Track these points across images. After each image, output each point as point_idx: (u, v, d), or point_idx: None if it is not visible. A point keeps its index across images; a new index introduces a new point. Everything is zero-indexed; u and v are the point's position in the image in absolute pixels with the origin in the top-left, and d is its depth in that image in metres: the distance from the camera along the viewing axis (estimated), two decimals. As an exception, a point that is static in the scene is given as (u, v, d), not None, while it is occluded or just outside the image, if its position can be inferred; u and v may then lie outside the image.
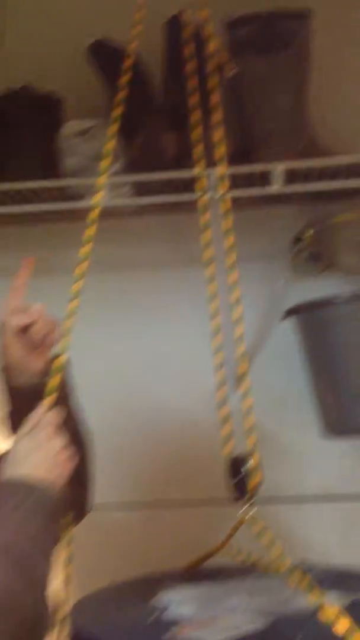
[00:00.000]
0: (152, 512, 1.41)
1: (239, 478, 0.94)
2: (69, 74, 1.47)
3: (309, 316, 1.20)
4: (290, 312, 1.23)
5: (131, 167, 1.25)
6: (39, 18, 1.51)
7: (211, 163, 1.15)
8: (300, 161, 1.24)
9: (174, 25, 1.34)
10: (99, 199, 1.02)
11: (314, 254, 1.38)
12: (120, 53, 1.29)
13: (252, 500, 0.94)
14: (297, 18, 1.35)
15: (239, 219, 1.11)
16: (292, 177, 1.26)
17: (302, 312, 1.20)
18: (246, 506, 0.94)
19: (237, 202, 1.16)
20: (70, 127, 1.21)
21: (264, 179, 1.28)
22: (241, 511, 0.95)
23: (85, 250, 0.94)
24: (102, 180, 1.04)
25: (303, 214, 1.42)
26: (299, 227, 1.42)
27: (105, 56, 1.38)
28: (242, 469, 0.94)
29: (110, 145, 1.07)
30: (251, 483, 0.95)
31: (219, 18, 1.25)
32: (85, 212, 1.33)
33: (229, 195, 1.12)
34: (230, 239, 1.04)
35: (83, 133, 1.23)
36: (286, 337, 1.37)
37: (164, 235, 1.45)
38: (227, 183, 1.06)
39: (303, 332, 1.24)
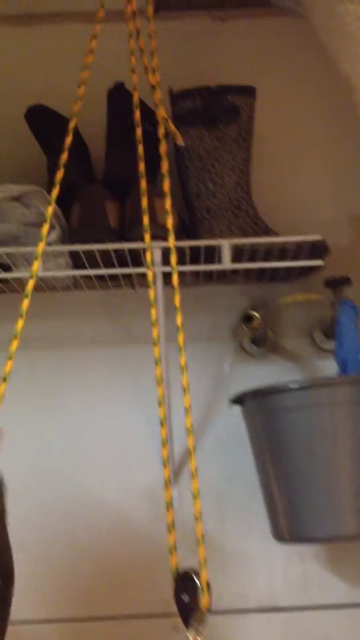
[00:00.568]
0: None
1: (186, 601, 0.79)
2: (2, 137, 1.38)
3: (256, 405, 1.07)
4: (236, 400, 1.10)
5: (69, 237, 1.12)
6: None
7: (155, 236, 1.07)
8: (249, 238, 1.19)
9: (118, 92, 1.26)
10: (36, 269, 0.89)
11: (259, 336, 1.27)
12: (59, 118, 1.25)
13: (202, 624, 0.79)
14: (243, 93, 1.33)
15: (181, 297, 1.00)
16: (238, 254, 1.15)
17: (248, 400, 1.07)
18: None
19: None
20: (3, 191, 1.07)
21: (208, 255, 1.17)
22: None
23: (18, 326, 0.80)
24: (40, 248, 0.91)
25: (246, 293, 1.31)
26: (242, 307, 1.32)
27: (43, 122, 1.29)
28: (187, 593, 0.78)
29: (51, 209, 0.94)
30: (202, 603, 0.79)
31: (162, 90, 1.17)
32: (16, 283, 1.20)
33: (178, 270, 1.00)
34: (180, 317, 0.91)
35: (17, 198, 1.10)
36: (228, 426, 1.26)
37: (101, 310, 1.33)
38: (175, 257, 0.94)
39: (249, 422, 1.12)
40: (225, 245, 1.12)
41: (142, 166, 0.99)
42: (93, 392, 1.34)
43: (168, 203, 0.97)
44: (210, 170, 1.29)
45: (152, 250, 1.07)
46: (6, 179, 1.27)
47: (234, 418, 1.22)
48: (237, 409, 1.18)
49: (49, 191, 1.11)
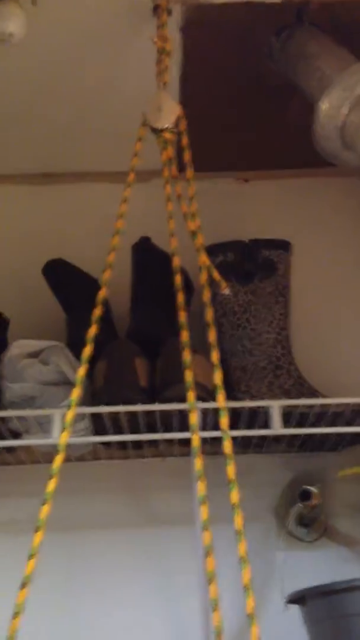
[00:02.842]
0: None
1: None
2: (18, 292, 1.23)
3: (324, 606, 0.80)
4: (295, 599, 0.82)
5: (92, 398, 0.90)
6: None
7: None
8: (302, 400, 1.02)
9: (143, 247, 1.11)
10: (65, 439, 0.67)
11: (310, 516, 1.01)
12: (78, 273, 1.15)
13: None
14: (278, 247, 1.22)
15: (216, 467, 0.81)
16: (285, 419, 0.93)
17: (312, 599, 0.80)
18: None
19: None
20: (19, 347, 0.87)
21: (249, 419, 0.94)
22: None
23: (42, 512, 0.57)
24: (70, 415, 0.69)
25: (289, 465, 1.07)
26: (284, 480, 1.09)
27: (62, 277, 1.13)
28: None
29: (83, 369, 0.73)
30: None
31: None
32: (25, 452, 0.97)
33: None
34: (236, 493, 0.67)
35: (34, 355, 0.89)
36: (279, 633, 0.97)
37: (119, 484, 1.13)
38: (227, 418, 0.72)
39: (313, 628, 0.83)
40: (275, 408, 0.90)
41: (182, 315, 0.79)
42: (108, 583, 1.10)
43: (215, 356, 0.78)
44: (245, 326, 1.12)
45: (186, 413, 0.84)
46: (23, 335, 1.06)
47: (288, 621, 0.90)
48: (294, 610, 0.89)
49: (69, 347, 0.93)
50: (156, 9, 1.00)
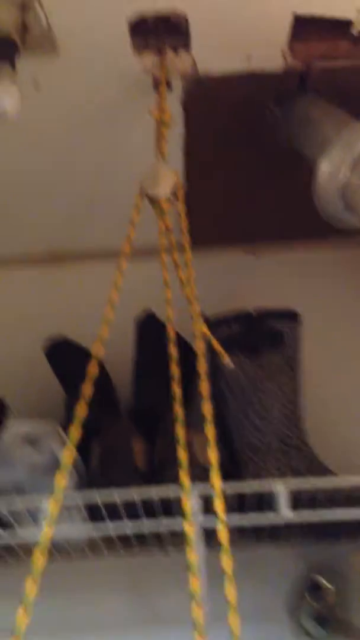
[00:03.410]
0: None
1: None
2: (17, 374, 1.16)
3: None
4: None
5: (87, 483, 0.82)
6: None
7: (193, 478, 0.79)
8: (310, 479, 0.91)
9: (147, 321, 1.05)
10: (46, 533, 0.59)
11: (325, 612, 0.89)
12: (80, 352, 1.07)
13: None
14: (285, 318, 1.15)
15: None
16: (294, 502, 0.83)
17: None
18: None
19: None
20: (13, 429, 0.80)
21: (256, 504, 0.85)
22: None
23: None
24: (54, 505, 0.62)
25: (302, 556, 0.97)
26: (298, 573, 0.98)
27: (63, 356, 1.07)
28: None
29: (70, 454, 0.67)
30: None
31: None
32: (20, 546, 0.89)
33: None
34: (232, 591, 0.58)
35: (26, 437, 0.81)
36: None
37: (122, 582, 1.02)
38: (221, 502, 0.63)
39: None
40: (281, 490, 0.80)
41: (176, 388, 0.72)
42: None
43: (210, 432, 0.69)
44: (253, 401, 1.05)
45: (190, 495, 0.75)
46: (21, 415, 1.00)
47: None
48: None
49: (66, 429, 0.87)
50: (157, 84, 0.98)
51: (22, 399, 1.11)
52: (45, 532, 0.67)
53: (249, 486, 0.88)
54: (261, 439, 1.03)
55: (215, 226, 1.29)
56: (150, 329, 1.04)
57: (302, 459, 1.02)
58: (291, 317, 1.12)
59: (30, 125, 1.00)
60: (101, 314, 1.06)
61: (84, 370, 0.97)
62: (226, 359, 0.91)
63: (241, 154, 1.15)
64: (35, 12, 0.85)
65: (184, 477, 0.71)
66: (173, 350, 0.78)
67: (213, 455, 0.71)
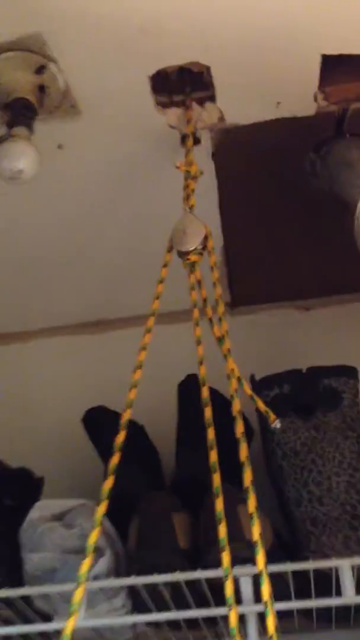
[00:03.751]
0: None
1: None
2: (56, 446, 1.11)
3: None
4: None
5: (126, 565, 0.72)
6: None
7: (242, 559, 0.69)
8: None
9: (189, 384, 0.97)
10: (71, 624, 0.52)
11: None
12: (119, 420, 0.94)
13: None
14: (342, 375, 1.05)
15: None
16: None
17: None
18: None
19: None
20: (41, 508, 0.72)
21: (322, 584, 0.73)
22: None
23: None
24: (80, 592, 0.54)
25: None
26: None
27: (102, 425, 1.00)
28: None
29: (96, 534, 0.59)
30: None
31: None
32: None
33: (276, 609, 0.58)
34: None
35: (58, 517, 0.74)
36: None
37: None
38: (268, 587, 0.53)
39: None
40: (346, 568, 0.69)
41: (214, 456, 0.63)
42: None
43: (252, 504, 0.57)
44: (311, 468, 0.94)
45: (238, 579, 0.65)
46: (56, 493, 0.92)
47: None
48: None
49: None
50: (184, 138, 0.93)
51: (62, 473, 1.03)
52: (69, 622, 0.57)
53: (308, 565, 0.76)
54: (322, 509, 0.91)
55: (259, 283, 1.22)
56: (192, 392, 0.95)
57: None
58: (348, 373, 1.02)
59: (56, 187, 0.98)
60: (150, 377, 1.00)
61: (126, 439, 0.89)
62: (274, 420, 0.82)
63: (280, 204, 1.09)
64: (52, 74, 0.82)
65: (226, 557, 0.61)
66: (208, 413, 0.69)
67: (256, 530, 0.61)
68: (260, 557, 0.60)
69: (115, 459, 0.67)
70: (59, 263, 1.13)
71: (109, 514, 0.84)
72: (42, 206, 1.03)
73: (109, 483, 0.66)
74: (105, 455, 0.99)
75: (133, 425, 1.02)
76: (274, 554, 0.84)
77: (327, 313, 1.23)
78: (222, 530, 0.63)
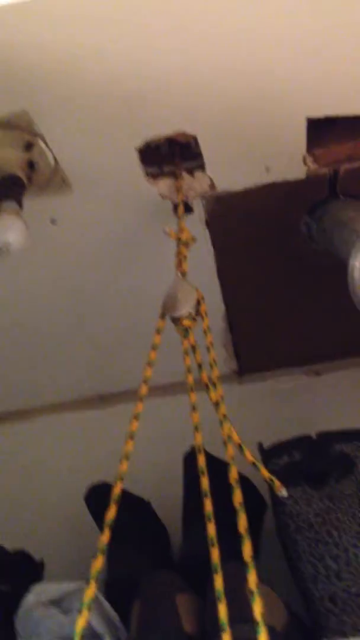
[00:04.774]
0: None
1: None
2: (59, 527, 1.08)
3: None
4: None
5: None
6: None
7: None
8: None
9: (194, 455, 0.92)
10: None
11: None
12: (126, 499, 0.90)
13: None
14: (354, 440, 1.00)
15: None
16: None
17: None
18: None
19: None
20: (37, 593, 0.68)
21: None
22: None
23: None
24: None
25: None
26: None
27: (105, 502, 0.95)
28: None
29: (83, 620, 0.55)
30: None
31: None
32: None
33: None
34: None
35: (55, 602, 0.69)
36: None
37: None
38: None
39: None
40: None
41: (211, 528, 0.58)
42: None
43: (253, 579, 0.52)
44: (327, 541, 0.88)
45: None
46: (59, 572, 0.87)
47: None
48: None
49: (107, 587, 0.73)
50: (175, 207, 0.93)
51: (66, 551, 0.98)
52: None
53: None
54: (340, 585, 0.85)
55: (266, 349, 1.19)
56: (196, 464, 0.90)
57: None
58: (360, 437, 0.96)
59: (52, 261, 0.97)
60: (149, 454, 0.96)
61: (128, 516, 0.84)
62: (279, 487, 0.76)
63: (280, 268, 1.07)
64: (41, 150, 0.82)
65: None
66: (204, 483, 0.64)
67: (257, 608, 0.55)
68: (263, 638, 0.54)
69: (104, 538, 0.62)
70: (60, 336, 1.11)
71: (111, 598, 0.78)
72: (40, 278, 1.02)
73: (98, 563, 0.61)
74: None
75: (139, 502, 0.97)
76: (289, 636, 0.77)
77: (338, 377, 1.18)
78: (222, 610, 0.58)
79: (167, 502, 1.00)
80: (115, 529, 0.83)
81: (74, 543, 1.01)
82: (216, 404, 0.72)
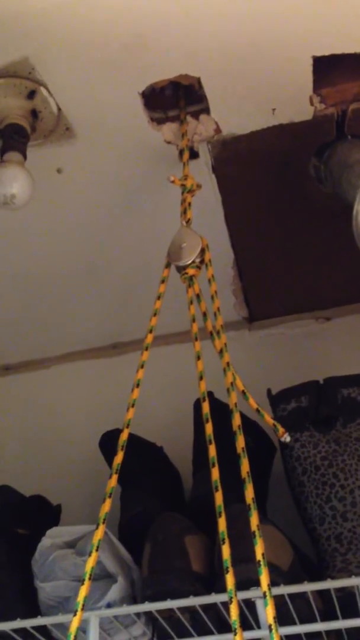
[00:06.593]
0: None
1: None
2: (75, 474, 1.12)
3: None
4: None
5: (141, 592, 0.69)
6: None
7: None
8: None
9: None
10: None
11: None
12: (139, 443, 1.00)
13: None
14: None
15: None
16: None
17: None
18: None
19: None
20: (52, 536, 0.70)
21: (348, 605, 0.69)
22: None
23: None
24: (75, 622, 0.52)
25: None
26: None
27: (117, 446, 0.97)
28: None
29: (92, 559, 0.57)
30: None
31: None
32: None
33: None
34: None
35: (71, 544, 0.71)
36: None
37: None
38: (272, 606, 0.49)
39: None
40: None
41: (215, 473, 0.59)
42: None
43: (255, 521, 0.53)
44: (333, 483, 0.91)
45: (255, 601, 0.61)
46: (76, 518, 0.92)
47: None
48: None
49: (121, 529, 0.83)
50: (181, 153, 0.91)
51: (82, 498, 1.00)
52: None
53: (328, 584, 0.70)
54: (346, 525, 0.86)
55: (276, 295, 1.18)
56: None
57: None
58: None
59: (59, 210, 0.97)
60: (163, 401, 0.96)
61: (140, 461, 0.86)
62: (282, 433, 0.77)
63: (289, 213, 1.05)
64: (43, 98, 0.80)
65: (230, 580, 0.56)
66: (209, 429, 0.65)
67: (259, 549, 0.56)
68: (264, 578, 0.55)
69: (112, 481, 0.63)
70: (71, 286, 1.11)
71: (125, 539, 0.80)
72: (49, 228, 1.02)
73: (106, 506, 0.62)
74: (122, 476, 0.96)
75: (151, 447, 0.98)
76: (299, 574, 0.79)
77: (348, 322, 1.17)
78: (226, 551, 0.59)
79: (181, 447, 1.02)
80: (128, 473, 0.84)
81: (89, 488, 1.03)
82: (220, 352, 0.73)
